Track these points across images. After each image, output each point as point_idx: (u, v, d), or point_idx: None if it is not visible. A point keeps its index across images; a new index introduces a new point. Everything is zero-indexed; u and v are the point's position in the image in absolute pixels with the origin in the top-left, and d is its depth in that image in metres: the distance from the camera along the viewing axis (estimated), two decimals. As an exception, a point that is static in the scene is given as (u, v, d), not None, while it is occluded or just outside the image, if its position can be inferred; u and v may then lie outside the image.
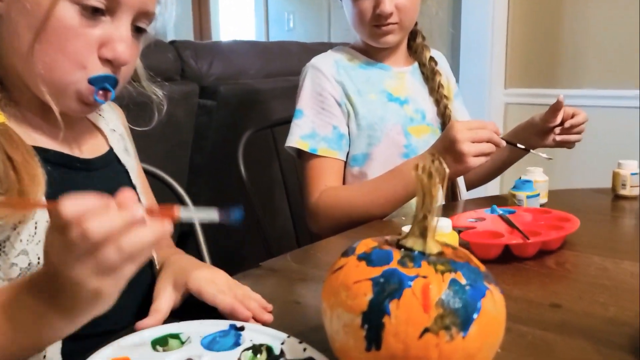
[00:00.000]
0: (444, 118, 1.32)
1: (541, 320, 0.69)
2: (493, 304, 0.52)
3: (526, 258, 0.88)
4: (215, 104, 1.67)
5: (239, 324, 0.64)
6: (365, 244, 0.56)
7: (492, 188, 2.35)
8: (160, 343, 0.62)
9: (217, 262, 0.85)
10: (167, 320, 0.69)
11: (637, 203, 1.25)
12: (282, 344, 0.60)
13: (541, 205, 1.14)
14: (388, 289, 0.50)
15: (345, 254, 0.56)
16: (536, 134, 1.27)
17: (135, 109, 0.91)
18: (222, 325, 0.64)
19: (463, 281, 0.51)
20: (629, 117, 2.20)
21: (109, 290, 0.49)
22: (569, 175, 1.98)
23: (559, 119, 1.24)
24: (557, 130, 1.26)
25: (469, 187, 1.46)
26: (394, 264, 0.51)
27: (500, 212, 1.00)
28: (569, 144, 1.28)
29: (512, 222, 0.93)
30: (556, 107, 1.24)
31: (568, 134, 1.26)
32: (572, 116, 1.25)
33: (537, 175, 1.20)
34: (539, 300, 0.74)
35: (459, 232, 0.88)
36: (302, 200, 1.30)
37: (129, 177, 0.82)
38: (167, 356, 0.59)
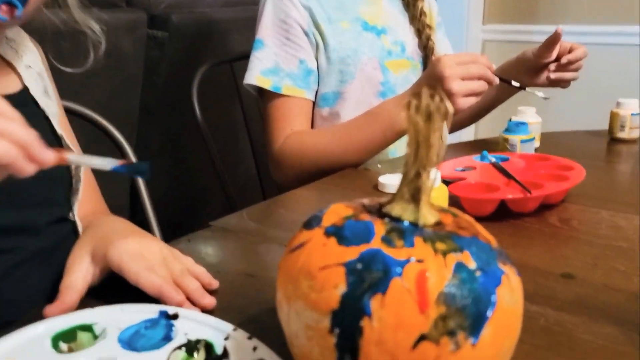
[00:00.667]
0: (426, 51, 1.16)
1: (553, 296, 0.55)
2: (510, 294, 0.38)
3: (524, 214, 0.75)
4: (166, 35, 1.47)
5: (171, 310, 0.49)
6: (336, 212, 0.41)
7: (466, 134, 2.22)
8: (66, 338, 0.47)
9: (175, 220, 0.69)
10: (82, 303, 0.53)
11: (636, 146, 1.12)
12: (226, 339, 0.46)
13: (535, 151, 1.01)
14: (368, 279, 0.35)
15: (308, 224, 0.41)
16: (527, 71, 1.13)
17: (66, 45, 0.75)
18: (150, 312, 0.49)
19: (472, 265, 0.36)
20: (623, 55, 2.07)
21: None
22: (559, 118, 1.85)
23: (554, 54, 1.10)
24: (552, 67, 1.12)
25: (449, 130, 1.32)
26: (376, 242, 0.37)
27: (493, 159, 0.85)
28: (563, 83, 1.14)
29: (508, 172, 0.79)
30: (552, 41, 1.08)
31: (563, 72, 1.12)
32: (570, 51, 1.11)
33: (529, 116, 1.06)
34: (546, 268, 0.61)
35: (447, 184, 0.73)
36: (265, 146, 1.14)
37: (50, 124, 0.67)
38: None
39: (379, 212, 0.41)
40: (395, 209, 0.40)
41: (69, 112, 1.00)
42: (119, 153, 1.05)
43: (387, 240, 0.37)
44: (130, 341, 0.46)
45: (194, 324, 0.48)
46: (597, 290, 0.57)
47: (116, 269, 0.54)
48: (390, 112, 0.97)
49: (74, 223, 0.68)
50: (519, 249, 0.66)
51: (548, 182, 0.77)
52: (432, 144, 0.38)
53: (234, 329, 0.46)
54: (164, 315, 0.49)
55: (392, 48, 1.13)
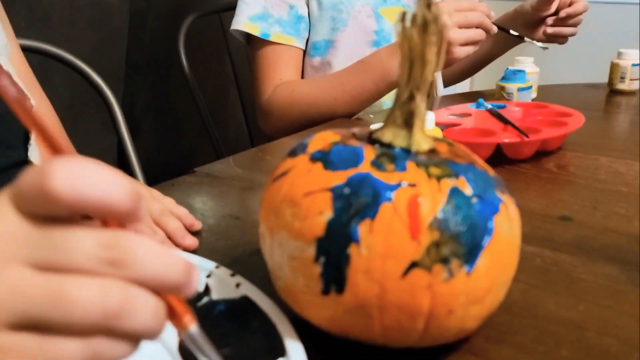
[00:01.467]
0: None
1: (550, 238, 0.53)
2: (508, 224, 0.35)
3: (520, 160, 0.73)
4: (152, -15, 1.42)
5: (150, 249, 0.47)
6: (323, 139, 0.38)
7: (461, 87, 2.18)
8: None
9: (163, 179, 0.66)
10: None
11: (635, 98, 1.09)
12: (208, 276, 0.43)
13: (533, 100, 0.98)
14: (356, 204, 0.33)
15: (293, 152, 0.38)
16: (524, 24, 1.09)
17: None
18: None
19: (468, 191, 0.34)
20: (623, 12, 2.02)
21: None
22: (557, 71, 1.82)
23: (553, 7, 1.06)
24: (550, 21, 1.08)
25: (444, 84, 1.28)
26: (365, 167, 0.34)
27: (490, 106, 0.82)
28: (561, 38, 1.11)
29: (504, 117, 0.77)
30: None
31: (562, 26, 1.08)
32: (570, 5, 1.07)
33: (527, 65, 1.03)
34: (543, 211, 0.59)
35: (442, 129, 0.71)
36: (253, 97, 1.10)
37: None
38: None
39: (369, 139, 0.38)
40: (387, 135, 0.37)
41: (55, 58, 0.96)
42: (106, 108, 1.02)
43: (377, 164, 0.34)
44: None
45: (174, 263, 0.45)
46: (596, 232, 0.55)
47: None
48: (383, 62, 0.94)
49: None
50: (515, 193, 0.62)
51: (545, 127, 0.74)
52: (428, 60, 0.35)
53: (217, 267, 0.44)
54: (143, 254, 0.47)
55: None
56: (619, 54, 1.10)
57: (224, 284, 0.42)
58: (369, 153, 0.35)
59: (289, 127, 0.99)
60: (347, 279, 0.33)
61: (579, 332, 0.40)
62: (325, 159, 0.36)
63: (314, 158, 0.36)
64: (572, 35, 1.10)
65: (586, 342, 0.38)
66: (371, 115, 0.99)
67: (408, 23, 0.35)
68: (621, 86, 1.10)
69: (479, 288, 0.34)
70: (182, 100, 1.43)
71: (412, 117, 0.37)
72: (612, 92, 1.12)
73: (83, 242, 0.22)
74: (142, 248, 0.23)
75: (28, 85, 0.63)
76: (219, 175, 0.70)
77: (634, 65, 1.08)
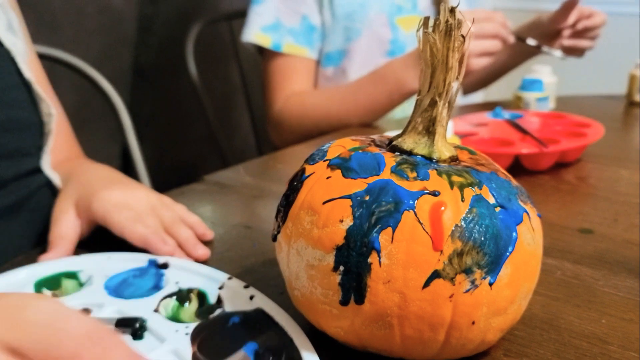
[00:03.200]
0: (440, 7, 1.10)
1: (571, 250, 0.52)
2: (531, 234, 0.34)
3: (539, 171, 0.71)
4: (161, -9, 1.42)
5: (161, 259, 0.46)
6: (341, 145, 0.37)
7: (475, 99, 2.17)
8: (49, 285, 0.44)
9: (169, 187, 0.65)
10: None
11: (653, 111, 1.07)
12: (221, 288, 0.42)
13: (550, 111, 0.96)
14: (378, 212, 0.32)
15: (311, 159, 0.37)
16: (540, 37, 1.07)
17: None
18: (139, 260, 0.46)
19: (491, 200, 0.33)
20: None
21: None
22: (575, 82, 1.80)
23: (571, 20, 1.04)
24: (567, 33, 1.06)
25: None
26: (386, 174, 0.33)
27: (507, 115, 0.81)
28: (578, 52, 1.09)
29: (522, 127, 0.75)
30: (570, 4, 1.03)
31: (579, 39, 1.06)
32: (588, 17, 1.05)
33: (545, 75, 1.01)
34: (563, 223, 0.58)
35: (460, 138, 0.69)
36: (264, 108, 1.10)
37: (15, 65, 0.58)
38: (52, 306, 0.40)
39: (389, 146, 0.37)
40: (407, 142, 0.36)
41: (63, 64, 0.96)
42: (112, 115, 1.01)
43: (398, 172, 0.33)
44: (117, 289, 0.43)
45: (185, 273, 0.44)
46: (617, 244, 0.53)
47: (101, 221, 0.50)
48: (396, 73, 0.93)
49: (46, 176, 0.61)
50: (536, 205, 0.62)
51: (564, 138, 0.73)
52: (451, 66, 0.34)
53: (229, 278, 0.43)
54: (154, 264, 0.46)
55: (402, 3, 1.08)
56: (637, 66, 1.09)
57: (237, 296, 0.41)
58: (390, 160, 0.34)
59: (301, 139, 0.98)
60: (367, 288, 0.32)
61: (602, 346, 0.38)
62: (344, 165, 0.35)
63: (333, 165, 0.35)
64: (590, 48, 1.09)
65: (609, 356, 0.37)
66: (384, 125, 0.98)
67: (430, 29, 0.34)
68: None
69: (501, 299, 0.33)
70: (189, 107, 1.43)
71: (434, 124, 0.36)
72: (631, 103, 1.10)
73: None
74: None
75: (45, 90, 0.62)
76: (228, 183, 0.69)
77: (651, 76, 1.07)
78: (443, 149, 0.36)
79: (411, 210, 0.31)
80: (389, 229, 0.31)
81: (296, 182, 0.36)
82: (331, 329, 0.35)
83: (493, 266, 0.32)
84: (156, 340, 0.37)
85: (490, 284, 0.32)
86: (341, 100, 0.98)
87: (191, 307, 0.41)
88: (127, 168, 0.98)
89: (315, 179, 0.35)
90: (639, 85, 1.08)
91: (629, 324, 0.41)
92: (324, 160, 0.36)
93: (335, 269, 0.32)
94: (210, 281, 0.43)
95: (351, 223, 0.32)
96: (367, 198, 0.32)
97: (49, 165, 0.59)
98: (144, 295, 0.42)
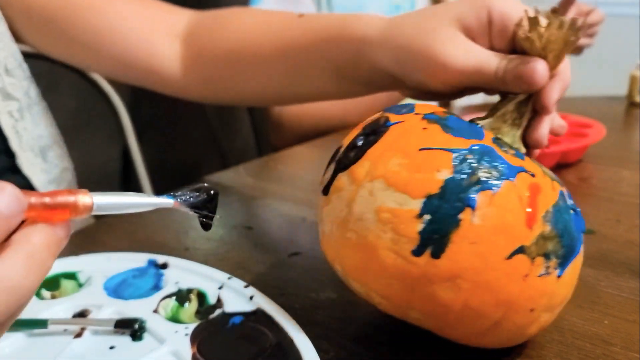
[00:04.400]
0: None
1: (573, 251, 0.51)
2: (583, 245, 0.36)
3: (540, 172, 0.71)
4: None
5: (161, 259, 0.46)
6: (429, 107, 0.37)
7: (475, 96, 2.17)
8: (48, 286, 0.43)
9: (170, 188, 0.64)
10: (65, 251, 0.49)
11: (654, 112, 1.07)
12: (220, 288, 0.42)
13: (550, 112, 0.96)
14: (480, 172, 0.31)
15: (394, 110, 0.37)
16: None
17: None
18: (138, 260, 0.46)
19: (569, 201, 0.35)
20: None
21: None
22: (574, 82, 1.80)
23: (569, 17, 1.04)
24: None
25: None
26: (487, 141, 0.34)
27: (507, 116, 0.81)
28: (577, 49, 1.08)
29: (523, 127, 0.75)
30: (569, 1, 1.02)
31: None
32: (587, 14, 1.05)
33: (544, 76, 1.00)
34: (565, 224, 0.57)
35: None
36: (264, 109, 1.09)
37: None
38: (50, 306, 0.40)
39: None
40: (493, 126, 0.37)
41: (63, 65, 0.96)
42: (112, 116, 1.01)
43: (499, 144, 0.34)
44: (117, 290, 0.43)
45: (185, 273, 0.44)
46: (620, 245, 0.53)
47: None
48: None
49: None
50: None
51: (565, 139, 0.73)
52: (553, 64, 0.37)
53: (229, 278, 0.43)
54: (153, 264, 0.45)
55: (400, 3, 1.08)
56: (638, 67, 1.08)
57: (236, 296, 0.41)
58: (487, 132, 0.35)
59: (301, 140, 0.98)
60: (448, 244, 0.31)
61: (605, 347, 0.38)
62: (443, 122, 0.34)
63: (430, 119, 0.35)
64: (588, 46, 1.09)
65: (612, 357, 0.37)
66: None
67: (532, 25, 0.36)
68: (640, 98, 1.08)
69: (559, 295, 0.34)
70: (189, 108, 1.42)
71: (521, 117, 0.37)
72: (632, 104, 1.10)
73: None
74: None
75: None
76: (229, 184, 0.69)
77: (653, 77, 1.06)
78: (521, 145, 0.38)
79: (512, 181, 0.32)
80: (489, 192, 0.31)
81: (377, 126, 0.35)
82: (380, 284, 0.33)
83: (564, 260, 0.33)
84: (156, 341, 0.37)
85: (558, 277, 0.32)
86: (341, 100, 0.98)
87: (191, 307, 0.41)
88: (128, 169, 0.98)
89: (407, 126, 0.34)
90: (639, 86, 1.08)
91: (632, 325, 0.40)
92: (415, 113, 0.36)
93: (420, 216, 0.31)
94: (210, 281, 0.43)
95: (450, 175, 0.31)
96: (469, 157, 0.32)
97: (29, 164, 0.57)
98: (143, 296, 0.41)
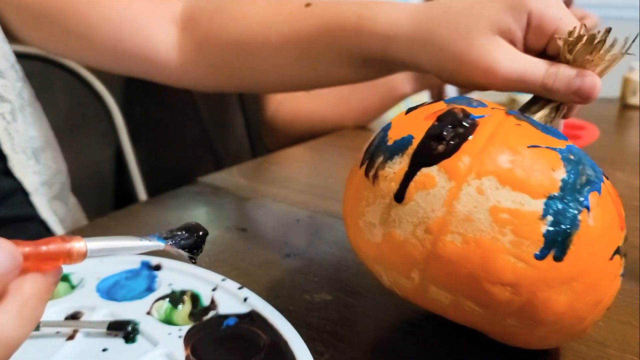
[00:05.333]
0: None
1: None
2: None
3: (534, 174, 0.71)
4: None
5: (154, 261, 0.45)
6: (491, 104, 0.36)
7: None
8: (40, 288, 0.43)
9: (163, 189, 0.64)
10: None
11: (646, 114, 1.08)
12: (214, 290, 0.42)
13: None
14: (585, 173, 0.31)
15: (462, 102, 0.34)
16: None
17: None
18: (131, 262, 0.45)
19: None
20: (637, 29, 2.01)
21: None
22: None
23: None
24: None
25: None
26: (571, 142, 0.34)
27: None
28: None
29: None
30: (565, 5, 1.03)
31: None
32: (581, 20, 1.06)
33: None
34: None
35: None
36: (258, 111, 1.09)
37: None
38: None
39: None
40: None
41: (56, 65, 0.95)
42: (106, 116, 1.01)
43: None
44: (110, 291, 0.42)
45: (179, 275, 0.44)
46: (615, 247, 0.53)
47: None
48: (388, 77, 0.92)
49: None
50: None
51: (559, 140, 0.73)
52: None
53: (223, 280, 0.42)
54: (146, 266, 0.45)
55: None
56: (631, 69, 1.09)
57: (230, 298, 0.40)
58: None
59: (294, 142, 0.98)
60: (570, 246, 0.30)
61: (600, 349, 0.38)
62: (530, 120, 0.34)
63: (515, 115, 0.34)
64: None
65: (607, 359, 0.37)
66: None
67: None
68: (633, 101, 1.09)
69: (611, 298, 0.34)
70: (183, 109, 1.42)
71: (552, 122, 0.38)
72: (625, 106, 1.11)
73: None
74: None
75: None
76: (222, 185, 0.68)
77: (645, 79, 1.07)
78: None
79: (604, 184, 0.32)
80: (596, 193, 0.30)
81: (458, 118, 0.32)
82: (484, 291, 0.30)
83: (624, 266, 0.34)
84: (149, 344, 0.36)
85: (622, 275, 0.33)
86: (334, 104, 0.98)
87: (184, 309, 0.40)
88: (121, 170, 0.98)
89: (498, 121, 0.32)
90: (634, 88, 1.09)
91: (627, 327, 0.40)
92: (494, 108, 0.34)
93: (543, 217, 0.29)
94: (204, 283, 0.42)
95: (564, 175, 0.30)
96: (571, 157, 0.31)
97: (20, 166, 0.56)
98: (136, 298, 0.41)
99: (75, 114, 1.22)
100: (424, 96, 1.07)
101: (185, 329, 0.37)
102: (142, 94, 1.46)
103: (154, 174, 1.15)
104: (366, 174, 0.34)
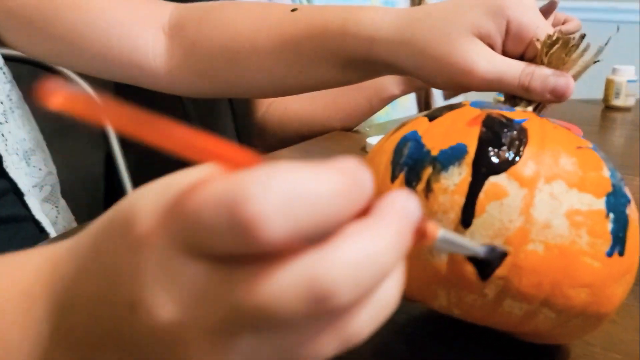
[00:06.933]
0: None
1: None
2: None
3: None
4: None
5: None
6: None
7: (455, 98, 2.18)
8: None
9: None
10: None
11: (630, 114, 1.10)
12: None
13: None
14: (616, 169, 0.33)
15: (494, 107, 0.35)
16: None
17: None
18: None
19: None
20: (620, 32, 2.04)
21: None
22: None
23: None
24: None
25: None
26: None
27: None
28: None
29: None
30: (547, 10, 1.04)
31: None
32: (563, 23, 1.07)
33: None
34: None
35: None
36: (247, 114, 1.10)
37: None
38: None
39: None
40: None
41: (46, 69, 0.95)
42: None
43: None
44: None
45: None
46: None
47: None
48: (376, 79, 0.93)
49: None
50: None
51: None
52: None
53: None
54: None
55: (381, 6, 1.09)
56: (614, 70, 1.11)
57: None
58: None
59: (284, 144, 0.98)
60: (627, 239, 0.31)
61: (585, 347, 0.38)
62: (554, 122, 0.35)
63: (542, 117, 0.36)
64: None
65: (592, 357, 0.38)
66: (367, 128, 0.98)
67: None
68: (616, 102, 1.11)
69: None
70: (173, 113, 1.41)
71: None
72: (607, 108, 1.13)
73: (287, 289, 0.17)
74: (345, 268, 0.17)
75: None
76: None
77: (629, 81, 1.09)
78: None
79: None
80: (626, 187, 0.32)
81: (506, 125, 0.32)
82: (566, 296, 0.30)
83: None
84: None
85: None
86: (322, 106, 0.99)
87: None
88: (111, 174, 0.98)
89: (540, 125, 0.33)
90: (617, 90, 1.11)
91: (611, 326, 0.41)
92: (523, 110, 0.37)
93: (607, 215, 0.30)
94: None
95: (609, 173, 0.32)
96: (600, 154, 0.33)
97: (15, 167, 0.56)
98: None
99: (65, 118, 1.21)
100: (411, 98, 1.08)
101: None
102: (131, 97, 1.45)
103: (143, 176, 1.15)
104: (411, 187, 0.31)
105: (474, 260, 0.29)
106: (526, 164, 0.30)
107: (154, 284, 0.17)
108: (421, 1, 1.12)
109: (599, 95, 1.16)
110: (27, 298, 0.21)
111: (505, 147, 0.30)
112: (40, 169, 0.61)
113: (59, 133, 1.02)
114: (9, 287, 0.22)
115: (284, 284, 0.16)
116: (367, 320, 0.18)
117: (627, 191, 0.32)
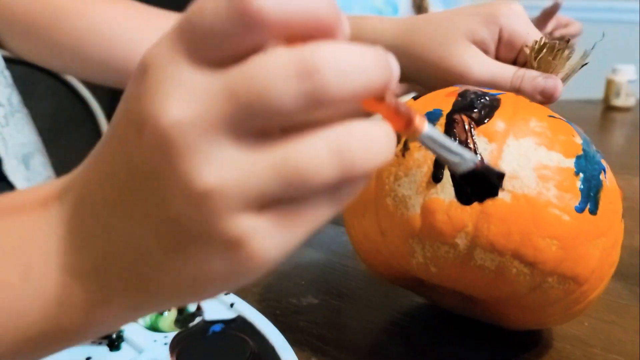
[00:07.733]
0: (420, 12, 1.11)
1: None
2: None
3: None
4: None
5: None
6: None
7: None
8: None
9: None
10: None
11: (631, 114, 1.09)
12: (200, 295, 0.42)
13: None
14: (591, 142, 0.35)
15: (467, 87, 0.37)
16: None
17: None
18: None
19: None
20: (621, 32, 2.03)
21: (266, 255, 0.20)
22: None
23: (549, 28, 1.06)
24: None
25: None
26: None
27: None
28: None
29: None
30: (550, 12, 1.04)
31: None
32: (565, 26, 1.07)
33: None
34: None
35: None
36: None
37: None
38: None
39: None
40: None
41: (40, 69, 0.94)
42: (91, 121, 1.00)
43: None
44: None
45: (164, 281, 0.43)
46: (598, 247, 0.53)
47: None
48: None
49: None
50: None
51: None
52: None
53: (209, 285, 0.42)
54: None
55: (383, 8, 1.09)
56: (614, 70, 1.11)
57: (217, 304, 0.40)
58: None
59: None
60: (599, 202, 0.32)
61: (584, 348, 0.38)
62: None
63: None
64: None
65: (592, 359, 0.37)
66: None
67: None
68: (616, 102, 1.10)
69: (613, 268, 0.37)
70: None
71: None
72: (608, 108, 1.12)
73: (282, 81, 0.18)
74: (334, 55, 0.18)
75: None
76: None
77: (629, 81, 1.08)
78: None
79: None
80: (603, 160, 0.34)
81: (479, 95, 0.34)
82: (534, 248, 0.31)
83: None
84: (134, 351, 0.36)
85: None
86: None
87: (170, 315, 0.40)
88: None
89: (514, 98, 0.36)
90: (617, 90, 1.10)
91: (611, 327, 0.41)
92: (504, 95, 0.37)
93: (577, 174, 0.32)
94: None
95: (581, 141, 0.33)
96: (578, 129, 0.35)
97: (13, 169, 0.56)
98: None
99: (59, 118, 1.21)
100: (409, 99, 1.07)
101: (171, 335, 0.37)
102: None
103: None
104: None
105: (454, 181, 0.31)
106: (495, 124, 0.33)
107: (161, 96, 0.19)
108: (422, 1, 1.11)
109: (599, 95, 1.15)
110: (43, 200, 0.24)
111: (476, 111, 0.33)
112: (40, 173, 0.61)
113: (54, 133, 1.01)
114: (28, 195, 0.25)
115: (276, 65, 0.18)
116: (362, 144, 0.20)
117: (605, 163, 0.34)
